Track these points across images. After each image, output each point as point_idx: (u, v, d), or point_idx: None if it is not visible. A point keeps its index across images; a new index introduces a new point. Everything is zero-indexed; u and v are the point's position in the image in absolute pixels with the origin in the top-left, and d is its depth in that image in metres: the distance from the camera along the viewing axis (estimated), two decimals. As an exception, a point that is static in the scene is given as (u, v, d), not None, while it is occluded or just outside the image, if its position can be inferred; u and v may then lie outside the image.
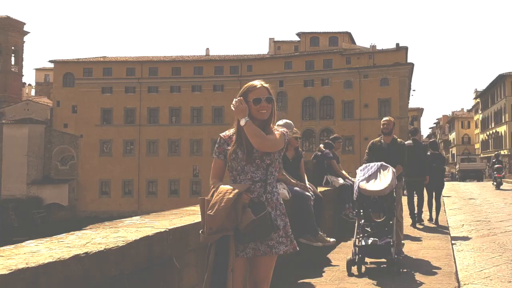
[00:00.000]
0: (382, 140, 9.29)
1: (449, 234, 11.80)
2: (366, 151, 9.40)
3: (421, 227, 13.58)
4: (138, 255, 3.74)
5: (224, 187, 3.81)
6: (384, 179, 7.22)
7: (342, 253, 9.05)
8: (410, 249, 9.56)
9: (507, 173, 67.47)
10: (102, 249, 3.30)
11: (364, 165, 7.73)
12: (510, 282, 7.45)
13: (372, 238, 7.09)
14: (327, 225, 9.19)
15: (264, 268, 4.07)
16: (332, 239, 8.40)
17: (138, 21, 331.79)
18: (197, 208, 4.61)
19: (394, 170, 7.50)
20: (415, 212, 13.85)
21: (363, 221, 7.32)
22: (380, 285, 6.33)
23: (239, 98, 3.99)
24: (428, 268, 7.73)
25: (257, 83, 4.08)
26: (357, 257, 7.08)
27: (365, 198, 7.17)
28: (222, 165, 4.11)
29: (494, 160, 33.90)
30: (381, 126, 9.27)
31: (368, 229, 7.28)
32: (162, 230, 4.16)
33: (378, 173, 7.34)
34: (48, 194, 71.65)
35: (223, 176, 4.17)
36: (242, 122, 3.91)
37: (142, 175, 75.29)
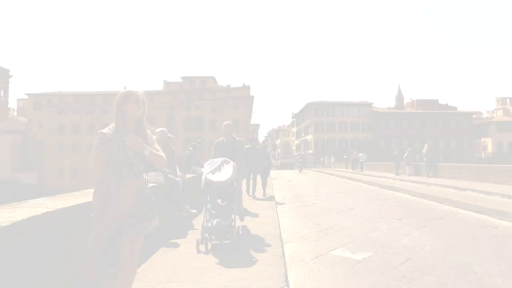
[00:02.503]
0: (224, 139, 8.34)
1: (276, 206, 11.38)
2: (212, 148, 8.34)
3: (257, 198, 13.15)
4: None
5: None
6: (226, 172, 6.09)
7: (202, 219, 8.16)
8: (249, 219, 8.85)
9: (312, 164, 71.08)
10: None
11: (210, 160, 6.52)
12: (317, 240, 7.00)
13: (217, 220, 5.91)
14: (191, 200, 8.25)
15: (136, 245, 3.05)
16: (194, 210, 7.71)
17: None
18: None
19: (235, 164, 6.37)
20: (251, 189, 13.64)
21: (209, 205, 6.09)
22: (222, 258, 5.21)
23: (128, 140, 3.02)
24: (261, 233, 6.98)
25: (137, 90, 3.21)
26: (204, 236, 5.80)
27: (211, 187, 5.97)
28: (105, 159, 3.01)
29: (298, 158, 45.54)
30: (223, 129, 8.36)
31: (214, 212, 6.05)
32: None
33: (222, 167, 6.17)
34: (23, 178, 63.84)
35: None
36: (147, 153, 3.07)
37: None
